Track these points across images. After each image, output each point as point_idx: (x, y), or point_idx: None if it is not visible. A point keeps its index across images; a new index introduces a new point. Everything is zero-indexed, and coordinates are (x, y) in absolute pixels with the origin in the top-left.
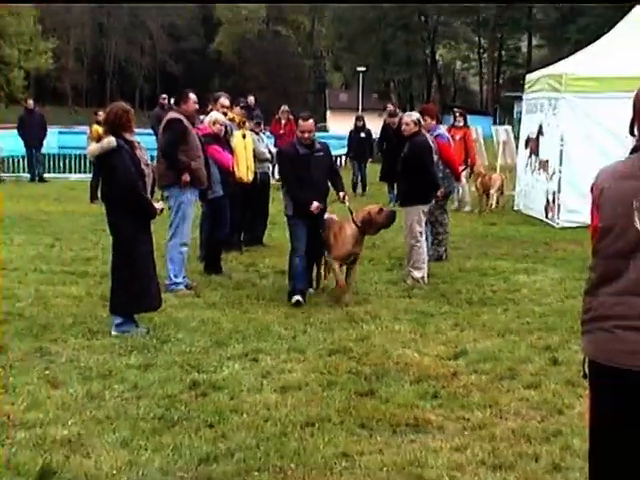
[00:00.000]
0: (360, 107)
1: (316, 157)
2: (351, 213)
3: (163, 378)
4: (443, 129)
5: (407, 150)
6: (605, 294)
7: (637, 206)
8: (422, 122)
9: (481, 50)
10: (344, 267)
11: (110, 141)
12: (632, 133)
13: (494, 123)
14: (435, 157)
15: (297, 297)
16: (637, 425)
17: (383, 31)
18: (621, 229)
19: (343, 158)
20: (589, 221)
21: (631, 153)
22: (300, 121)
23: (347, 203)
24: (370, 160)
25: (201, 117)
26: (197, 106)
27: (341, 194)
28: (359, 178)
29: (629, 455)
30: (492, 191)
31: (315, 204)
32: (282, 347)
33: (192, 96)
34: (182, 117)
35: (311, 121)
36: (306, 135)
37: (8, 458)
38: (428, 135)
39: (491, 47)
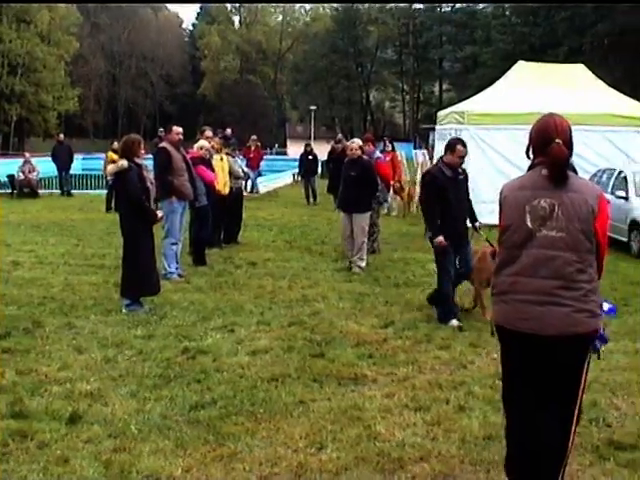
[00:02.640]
0: (312, 136)
1: (460, 180)
2: (490, 243)
3: (162, 345)
4: (379, 152)
5: (359, 170)
6: (505, 275)
7: (527, 210)
8: (363, 147)
9: (404, 93)
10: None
11: (123, 163)
12: (528, 156)
13: (414, 148)
14: None
15: (455, 322)
16: (527, 366)
17: (329, 78)
18: (516, 226)
19: (296, 175)
20: (488, 222)
21: (528, 170)
22: (459, 146)
23: (482, 233)
24: (316, 175)
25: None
26: (180, 136)
27: (477, 224)
28: (310, 190)
29: (525, 385)
30: (414, 200)
31: (440, 238)
32: (253, 321)
33: (174, 128)
34: (168, 145)
35: (466, 149)
36: (462, 160)
37: (46, 406)
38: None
39: (411, 91)
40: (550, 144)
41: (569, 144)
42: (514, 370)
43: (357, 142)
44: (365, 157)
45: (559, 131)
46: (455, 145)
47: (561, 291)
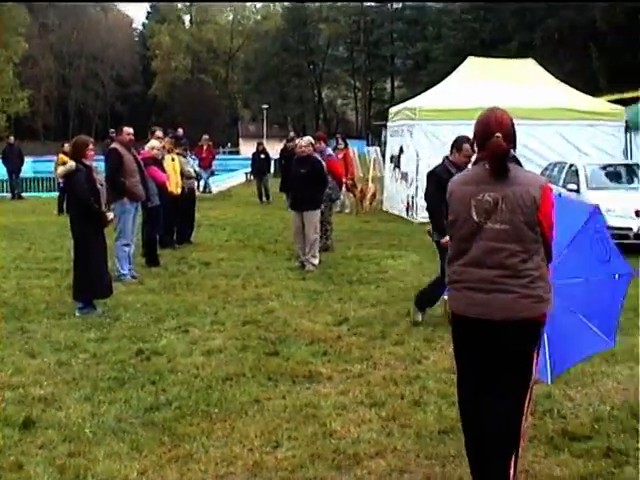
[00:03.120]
0: (265, 135)
1: None
2: None
3: (115, 348)
4: (331, 150)
5: (308, 168)
6: (457, 265)
7: (473, 204)
8: (315, 145)
9: (356, 90)
10: None
11: (71, 165)
12: (473, 150)
13: (367, 145)
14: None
15: (420, 317)
16: (477, 352)
17: (281, 77)
18: (464, 220)
19: (248, 174)
20: None
21: (473, 165)
22: (466, 145)
23: None
24: (269, 174)
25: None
26: (131, 137)
27: None
28: (263, 189)
29: (476, 372)
30: (367, 197)
31: (446, 238)
32: (206, 321)
33: (125, 129)
34: (119, 146)
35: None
36: (469, 160)
37: None
38: (318, 155)
39: (363, 88)
40: (490, 138)
41: (511, 138)
42: (465, 357)
43: (307, 140)
44: (316, 154)
45: (499, 125)
46: (462, 144)
47: (506, 279)
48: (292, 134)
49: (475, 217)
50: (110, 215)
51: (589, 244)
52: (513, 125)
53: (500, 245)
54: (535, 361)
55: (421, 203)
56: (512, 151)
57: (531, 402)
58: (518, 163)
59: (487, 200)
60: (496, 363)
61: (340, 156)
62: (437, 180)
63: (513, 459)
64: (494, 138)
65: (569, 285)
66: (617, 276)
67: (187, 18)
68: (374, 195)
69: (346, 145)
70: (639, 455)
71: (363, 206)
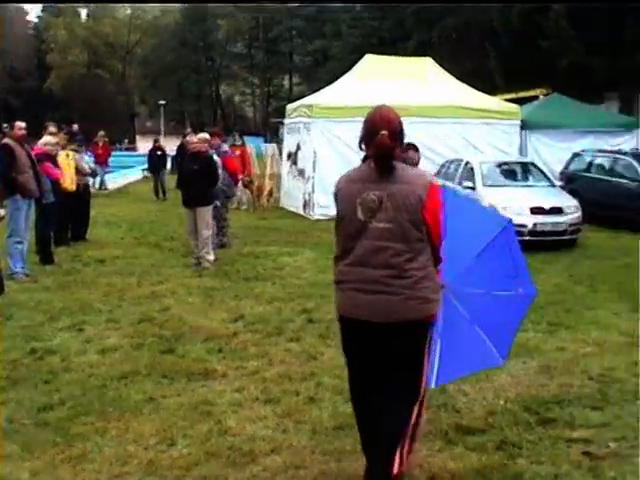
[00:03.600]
0: (162, 132)
1: None
2: None
3: (8, 347)
4: (226, 147)
5: (200, 164)
6: (342, 265)
7: (358, 202)
8: (209, 141)
9: (254, 86)
10: None
11: None
12: (360, 147)
13: (265, 142)
14: (220, 169)
15: None
16: (364, 353)
17: (179, 72)
18: (349, 219)
19: (145, 171)
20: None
21: (362, 163)
22: (410, 152)
23: None
24: (165, 171)
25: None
26: (24, 132)
27: None
28: (159, 186)
29: (364, 371)
30: (264, 194)
31: None
32: (102, 319)
33: (17, 124)
34: (11, 141)
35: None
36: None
37: None
38: (213, 151)
39: (262, 84)
40: (376, 136)
41: (398, 136)
42: (353, 357)
43: (201, 136)
44: (211, 150)
45: (386, 123)
46: (407, 151)
47: (391, 280)
48: (189, 130)
49: (360, 215)
50: (1, 212)
51: (499, 257)
52: (401, 123)
53: (385, 244)
54: (427, 361)
55: (318, 200)
56: (409, 152)
57: (425, 399)
58: (404, 161)
59: (372, 198)
60: (384, 364)
61: (237, 153)
62: None
63: (405, 454)
64: (379, 135)
65: (471, 295)
66: (520, 290)
67: (84, 12)
68: (271, 192)
69: (243, 142)
70: (531, 447)
71: (260, 203)
